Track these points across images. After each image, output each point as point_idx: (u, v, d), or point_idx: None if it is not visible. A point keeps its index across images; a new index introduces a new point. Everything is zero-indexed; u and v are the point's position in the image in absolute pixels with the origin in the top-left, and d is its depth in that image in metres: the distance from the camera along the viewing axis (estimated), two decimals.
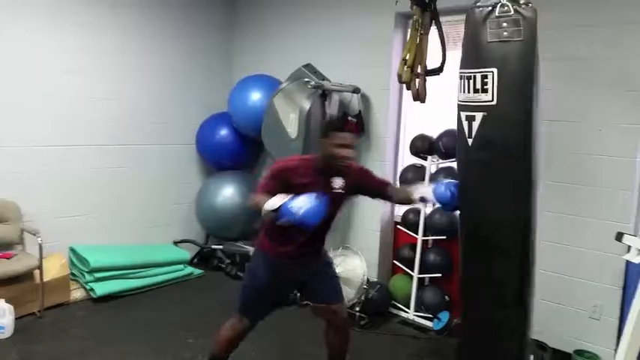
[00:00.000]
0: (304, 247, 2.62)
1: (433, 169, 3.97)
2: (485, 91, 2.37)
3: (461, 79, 2.48)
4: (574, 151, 3.34)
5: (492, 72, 2.35)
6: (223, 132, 4.96)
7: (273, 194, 2.35)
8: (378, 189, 2.78)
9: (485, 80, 2.36)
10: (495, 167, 2.45)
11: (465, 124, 2.48)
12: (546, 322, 3.42)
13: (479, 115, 2.42)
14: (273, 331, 3.48)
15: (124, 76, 4.65)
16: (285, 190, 2.37)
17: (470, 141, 2.47)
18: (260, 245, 2.72)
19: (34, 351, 3.28)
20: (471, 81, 2.41)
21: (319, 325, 2.83)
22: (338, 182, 2.60)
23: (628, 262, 3.00)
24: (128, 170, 4.75)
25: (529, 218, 2.52)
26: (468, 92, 2.44)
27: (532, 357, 3.19)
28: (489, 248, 2.53)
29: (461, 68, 2.49)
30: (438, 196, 2.64)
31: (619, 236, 2.92)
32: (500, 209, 2.49)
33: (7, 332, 3.41)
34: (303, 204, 2.25)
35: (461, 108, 2.51)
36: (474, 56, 2.43)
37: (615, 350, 2.81)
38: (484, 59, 2.38)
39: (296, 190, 2.34)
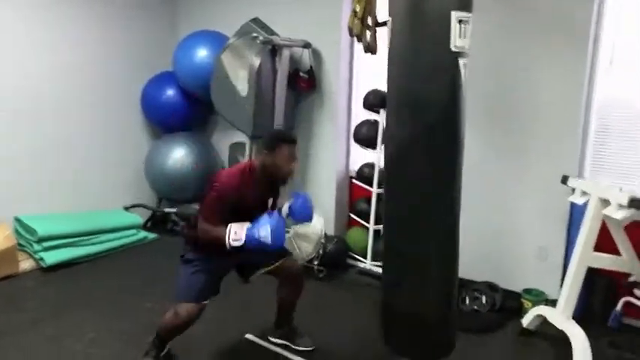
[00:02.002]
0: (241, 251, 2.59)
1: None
2: (465, 36, 2.20)
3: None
4: (516, 98, 3.44)
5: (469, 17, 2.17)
6: (169, 92, 4.78)
7: (223, 218, 2.38)
8: None
9: (462, 25, 2.17)
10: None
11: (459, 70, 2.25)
12: (497, 265, 3.59)
13: (462, 62, 2.24)
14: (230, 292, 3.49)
15: (61, 37, 4.37)
16: (233, 209, 2.40)
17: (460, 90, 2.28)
18: (194, 252, 2.58)
19: None
20: (460, 26, 2.17)
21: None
22: (281, 202, 2.65)
23: (572, 204, 3.16)
24: (71, 136, 4.54)
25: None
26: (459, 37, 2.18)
27: (484, 297, 3.36)
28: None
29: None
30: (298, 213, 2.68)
31: (564, 179, 3.07)
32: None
33: None
34: (266, 230, 2.32)
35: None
36: None
37: (560, 287, 2.98)
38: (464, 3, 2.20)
39: (243, 207, 2.42)
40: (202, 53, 4.46)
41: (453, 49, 2.16)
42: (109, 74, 4.74)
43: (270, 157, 2.50)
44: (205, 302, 2.58)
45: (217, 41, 4.43)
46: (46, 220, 4.16)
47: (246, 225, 2.36)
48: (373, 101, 3.98)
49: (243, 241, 2.34)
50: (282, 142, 2.50)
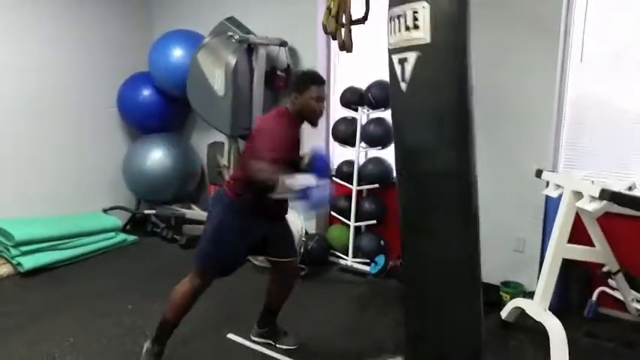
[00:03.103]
0: (278, 205, 2.59)
1: (364, 120, 4.01)
2: (416, 27, 2.15)
3: (390, 20, 2.27)
4: (490, 94, 3.46)
5: (424, 6, 2.12)
6: (146, 93, 4.74)
7: (283, 162, 2.28)
8: None
9: (417, 15, 2.15)
10: (430, 110, 2.24)
11: (398, 68, 2.26)
12: None
13: (412, 55, 2.20)
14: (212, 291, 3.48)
15: (34, 41, 4.30)
16: (287, 152, 2.38)
17: (404, 85, 2.25)
18: (234, 196, 2.54)
19: None
20: (402, 19, 2.19)
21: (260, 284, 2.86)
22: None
23: (548, 197, 3.21)
24: (47, 138, 4.48)
25: (468, 166, 2.37)
26: (400, 32, 2.20)
27: None
28: (427, 198, 2.35)
29: (390, 7, 2.26)
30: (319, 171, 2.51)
31: (538, 173, 3.11)
32: (437, 157, 2.29)
33: None
34: (322, 193, 2.20)
35: (392, 52, 2.28)
36: None
37: (537, 278, 3.03)
38: None
39: (292, 151, 2.44)
40: (178, 53, 4.43)
41: (389, 46, 2.25)
42: (85, 75, 4.68)
43: (300, 99, 2.49)
44: (208, 277, 2.62)
45: (192, 41, 4.40)
46: (23, 224, 4.10)
47: (309, 180, 2.22)
48: (350, 98, 4.00)
49: (300, 189, 2.18)
50: (310, 82, 2.50)
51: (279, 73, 4.16)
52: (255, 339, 3.00)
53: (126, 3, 4.95)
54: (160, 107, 4.76)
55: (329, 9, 3.13)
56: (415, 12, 2.15)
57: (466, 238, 2.45)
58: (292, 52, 4.22)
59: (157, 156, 4.66)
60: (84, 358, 2.84)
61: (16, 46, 4.20)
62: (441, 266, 2.36)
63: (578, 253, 3.01)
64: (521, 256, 3.48)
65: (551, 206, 3.27)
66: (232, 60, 3.92)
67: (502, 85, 3.43)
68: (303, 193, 2.18)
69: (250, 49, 4.00)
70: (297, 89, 2.52)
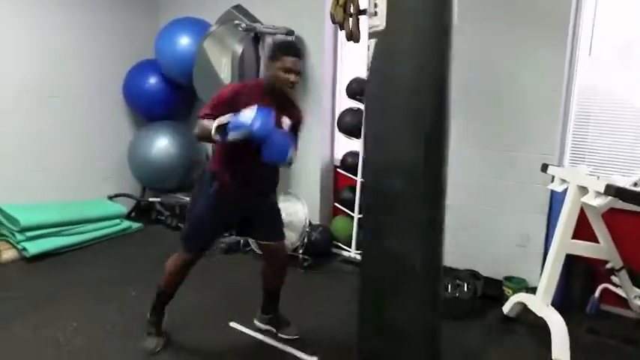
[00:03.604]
0: (254, 180, 2.60)
1: None
2: (376, 14, 2.03)
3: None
4: (498, 88, 3.45)
5: None
6: (152, 80, 4.73)
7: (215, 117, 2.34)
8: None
9: (376, 1, 2.03)
10: (388, 103, 2.10)
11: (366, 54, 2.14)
12: (478, 253, 3.62)
13: (372, 43, 2.09)
14: (214, 280, 3.50)
15: (38, 27, 4.29)
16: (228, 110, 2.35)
17: (367, 74, 2.17)
18: (210, 170, 2.62)
19: None
20: (370, 4, 2.08)
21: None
22: (286, 122, 2.55)
23: (552, 192, 3.19)
24: (53, 124, 4.48)
25: (421, 159, 2.11)
26: (369, 18, 2.09)
27: (466, 285, 3.39)
28: (388, 194, 2.16)
29: None
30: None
31: (544, 167, 3.09)
32: (388, 149, 2.13)
33: None
34: (250, 114, 2.23)
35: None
36: None
37: (540, 274, 3.02)
38: None
39: None
40: (184, 41, 4.41)
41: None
42: (91, 62, 4.67)
43: (271, 67, 2.49)
44: (202, 253, 2.68)
45: (199, 28, 4.38)
46: (29, 209, 4.12)
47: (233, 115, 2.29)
48: (356, 89, 3.98)
49: (224, 123, 2.27)
50: (282, 53, 2.47)
51: None
52: (258, 324, 3.02)
53: None
54: (165, 95, 4.76)
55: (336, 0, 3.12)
56: None
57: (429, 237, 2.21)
58: (299, 42, 4.19)
59: (162, 144, 4.66)
60: (87, 343, 2.86)
61: (22, 31, 4.19)
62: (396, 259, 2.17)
63: (582, 249, 3.00)
64: (525, 251, 3.47)
65: (556, 201, 3.25)
66: (239, 48, 3.90)
67: (508, 78, 3.40)
68: (229, 125, 2.25)
69: (257, 37, 3.98)
70: (271, 57, 2.52)
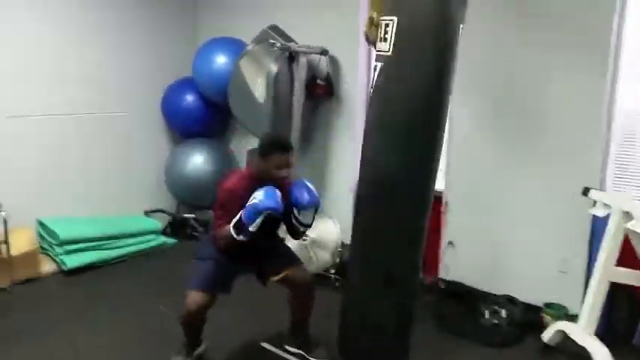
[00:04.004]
0: (257, 249, 2.66)
1: None
2: (385, 40, 2.30)
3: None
4: (537, 105, 3.35)
5: (392, 20, 2.29)
6: (189, 98, 4.81)
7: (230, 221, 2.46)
8: None
9: (387, 29, 2.29)
10: (386, 120, 2.42)
11: (371, 73, 2.47)
12: (516, 278, 3.51)
13: (378, 66, 2.38)
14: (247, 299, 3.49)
15: (82, 43, 4.44)
16: (239, 210, 2.44)
17: (370, 91, 2.49)
18: (213, 243, 2.68)
19: (6, 324, 3.23)
20: (381, 29, 2.35)
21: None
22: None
23: (594, 216, 3.07)
24: (93, 140, 4.60)
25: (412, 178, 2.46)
26: (378, 42, 2.39)
27: (503, 311, 3.28)
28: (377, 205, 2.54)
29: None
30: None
31: (585, 191, 2.98)
32: (378, 164, 2.48)
33: None
34: (257, 196, 2.38)
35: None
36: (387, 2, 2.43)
37: (582, 302, 2.90)
38: (389, 7, 2.35)
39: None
40: (221, 60, 4.47)
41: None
42: (131, 80, 4.79)
43: (263, 163, 2.53)
44: (213, 294, 2.62)
45: (235, 48, 4.44)
46: (68, 223, 4.22)
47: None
48: None
49: (239, 217, 2.40)
50: (274, 149, 2.52)
51: (319, 81, 4.14)
52: (289, 348, 2.98)
53: (172, 11, 5.06)
54: (202, 113, 4.83)
55: (371, 18, 3.10)
56: (387, 25, 2.30)
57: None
58: (333, 61, 4.20)
59: (197, 160, 4.73)
60: (120, 358, 2.89)
61: (67, 49, 4.34)
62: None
63: (627, 276, 2.86)
64: (565, 277, 3.34)
65: (598, 226, 3.12)
66: (274, 68, 3.93)
67: (546, 97, 3.31)
68: (246, 214, 2.38)
69: (292, 57, 4.00)
70: (261, 153, 2.54)
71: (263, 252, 2.73)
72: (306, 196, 2.54)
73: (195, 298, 2.58)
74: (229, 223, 2.46)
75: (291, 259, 2.83)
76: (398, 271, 2.53)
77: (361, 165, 2.61)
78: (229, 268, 2.68)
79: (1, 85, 3.99)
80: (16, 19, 4.00)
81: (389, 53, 2.29)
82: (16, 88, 4.06)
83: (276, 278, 2.74)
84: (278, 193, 2.43)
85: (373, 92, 2.43)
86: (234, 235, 2.43)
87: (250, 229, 2.40)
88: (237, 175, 2.70)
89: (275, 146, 2.54)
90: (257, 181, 2.54)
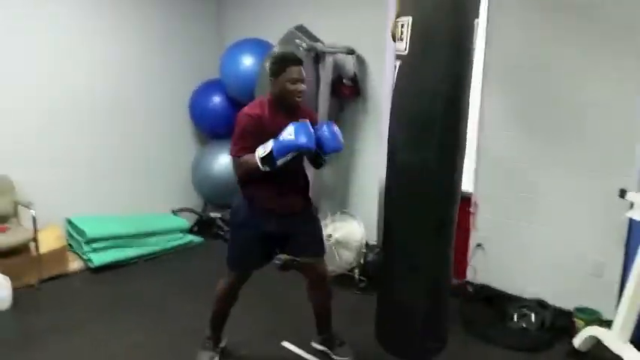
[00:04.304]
0: (284, 194, 2.57)
1: None
2: (401, 39, 2.36)
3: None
4: (575, 105, 3.25)
5: (408, 20, 2.32)
6: (216, 99, 4.85)
7: (254, 149, 2.37)
8: None
9: (403, 29, 2.35)
10: (407, 116, 2.45)
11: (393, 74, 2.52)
12: (548, 280, 3.41)
13: (397, 65, 2.44)
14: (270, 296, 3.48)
15: (112, 45, 4.53)
16: (261, 139, 2.37)
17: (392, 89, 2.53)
18: (243, 194, 2.62)
19: (33, 322, 3.28)
20: (397, 29, 2.41)
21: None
22: None
23: (631, 219, 2.95)
24: (121, 140, 4.68)
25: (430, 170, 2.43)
26: (397, 41, 2.44)
27: (533, 315, 3.19)
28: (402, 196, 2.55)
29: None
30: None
31: (622, 193, 2.86)
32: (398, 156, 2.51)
33: (6, 304, 3.39)
34: (290, 132, 2.29)
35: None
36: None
37: (616, 307, 2.79)
38: (404, 7, 2.39)
39: (269, 136, 2.36)
40: (247, 61, 4.49)
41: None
42: (161, 81, 4.88)
43: (276, 82, 2.47)
44: (243, 272, 2.67)
45: (262, 49, 4.46)
46: (95, 221, 4.29)
47: (270, 141, 2.35)
48: None
49: (270, 148, 2.31)
50: (285, 63, 2.45)
51: (345, 81, 4.12)
52: (315, 345, 2.97)
53: (199, 13, 5.12)
54: (229, 114, 4.83)
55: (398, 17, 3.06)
56: (402, 25, 2.36)
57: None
58: (360, 60, 4.17)
59: (224, 161, 4.75)
60: (144, 355, 2.91)
61: (99, 50, 4.44)
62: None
63: None
64: (599, 281, 3.22)
65: (635, 229, 3.00)
66: None
67: (585, 97, 3.20)
68: (276, 147, 2.29)
69: (317, 57, 3.99)
70: (273, 73, 2.47)
71: (296, 220, 2.64)
72: (332, 143, 2.46)
73: (228, 277, 2.69)
74: (248, 150, 2.40)
75: (318, 248, 2.76)
76: (424, 260, 2.53)
77: (387, 161, 2.62)
78: (259, 239, 2.59)
79: (41, 87, 4.12)
80: (42, 24, 4.11)
81: (405, 52, 2.34)
82: (49, 91, 4.17)
83: (296, 259, 2.70)
84: (311, 129, 2.34)
85: (393, 91, 2.48)
86: (260, 165, 2.34)
87: (278, 162, 2.32)
88: (257, 102, 2.60)
89: (285, 60, 2.46)
90: (277, 105, 2.49)
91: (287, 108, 2.51)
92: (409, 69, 2.37)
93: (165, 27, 4.87)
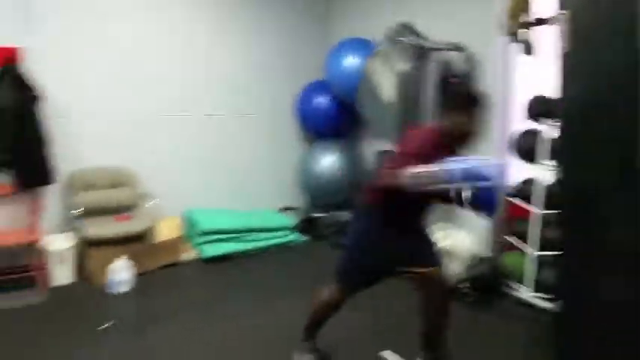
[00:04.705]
0: (414, 219, 2.44)
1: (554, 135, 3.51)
2: (561, 36, 2.06)
3: None
4: None
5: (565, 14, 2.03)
6: (322, 100, 4.87)
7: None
8: None
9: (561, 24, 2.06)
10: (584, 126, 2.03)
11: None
12: None
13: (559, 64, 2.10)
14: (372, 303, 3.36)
15: (224, 47, 4.78)
16: (423, 162, 2.08)
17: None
18: (374, 202, 2.41)
19: (150, 304, 3.53)
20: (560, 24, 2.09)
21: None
22: None
23: None
24: (236, 140, 4.93)
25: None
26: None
27: None
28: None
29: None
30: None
31: None
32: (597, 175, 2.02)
33: (128, 286, 3.68)
34: (492, 169, 2.01)
35: None
36: None
37: None
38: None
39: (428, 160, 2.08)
40: (352, 61, 4.45)
41: None
42: (270, 83, 5.06)
43: (453, 117, 2.25)
44: (352, 289, 2.51)
45: (366, 48, 4.38)
46: (209, 215, 4.53)
47: (444, 164, 2.04)
48: (539, 109, 3.53)
49: (436, 172, 2.01)
50: (467, 104, 2.25)
51: (453, 80, 3.88)
52: None
53: (306, 16, 5.24)
54: (334, 114, 4.86)
55: (510, 9, 2.81)
56: (561, 19, 2.06)
57: None
58: (468, 57, 3.87)
59: (329, 161, 4.75)
60: (239, 345, 2.98)
61: (215, 55, 4.72)
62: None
63: None
64: None
65: None
66: (403, 67, 3.78)
67: None
68: (479, 176, 1.98)
69: (423, 55, 3.80)
70: (452, 108, 2.26)
71: (416, 234, 2.48)
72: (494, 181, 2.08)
73: (335, 289, 2.52)
74: (405, 163, 2.10)
75: (434, 260, 2.50)
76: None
77: (565, 174, 2.21)
78: (379, 253, 2.41)
79: (163, 89, 4.46)
80: (158, 30, 4.43)
81: (566, 49, 2.05)
82: (171, 93, 4.52)
83: (413, 270, 2.43)
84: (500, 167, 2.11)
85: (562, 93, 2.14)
86: (407, 181, 2.06)
87: (449, 188, 2.02)
88: (428, 131, 2.39)
89: (469, 100, 2.28)
90: (444, 138, 2.27)
91: (454, 143, 2.31)
92: (571, 67, 2.06)
93: (277, 27, 5.03)
